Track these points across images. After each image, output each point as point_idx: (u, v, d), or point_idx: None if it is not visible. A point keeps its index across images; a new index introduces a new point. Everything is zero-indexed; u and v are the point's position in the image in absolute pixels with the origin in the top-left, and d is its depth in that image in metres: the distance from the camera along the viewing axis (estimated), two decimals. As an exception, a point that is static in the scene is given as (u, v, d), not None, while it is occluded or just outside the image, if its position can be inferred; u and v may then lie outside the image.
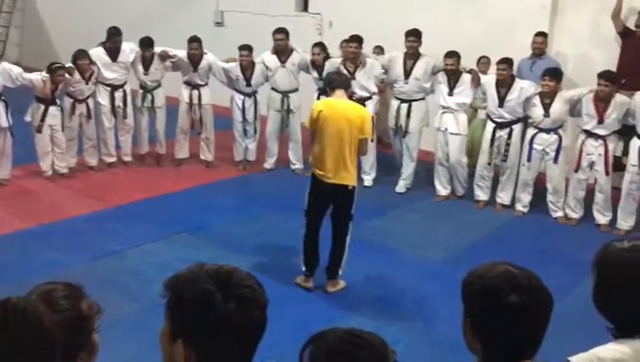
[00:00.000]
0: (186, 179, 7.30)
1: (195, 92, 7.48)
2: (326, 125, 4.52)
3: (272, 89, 7.51)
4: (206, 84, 7.55)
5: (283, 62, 7.39)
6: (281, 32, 7.30)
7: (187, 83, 7.51)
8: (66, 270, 4.72)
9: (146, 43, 7.32)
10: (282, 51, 7.38)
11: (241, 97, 7.49)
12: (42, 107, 6.76)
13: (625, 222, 6.20)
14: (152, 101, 7.52)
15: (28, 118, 6.81)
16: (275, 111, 7.52)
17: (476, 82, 6.68)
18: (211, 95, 7.58)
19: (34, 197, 6.59)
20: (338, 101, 4.67)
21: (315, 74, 7.33)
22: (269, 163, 7.69)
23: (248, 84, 7.43)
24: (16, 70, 6.64)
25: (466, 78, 6.71)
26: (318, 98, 6.62)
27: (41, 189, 6.78)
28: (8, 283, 4.01)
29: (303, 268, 4.88)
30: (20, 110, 6.82)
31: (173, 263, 4.56)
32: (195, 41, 7.35)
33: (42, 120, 6.78)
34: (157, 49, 7.39)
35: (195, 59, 7.38)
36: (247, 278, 1.32)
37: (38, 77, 6.67)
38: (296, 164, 7.59)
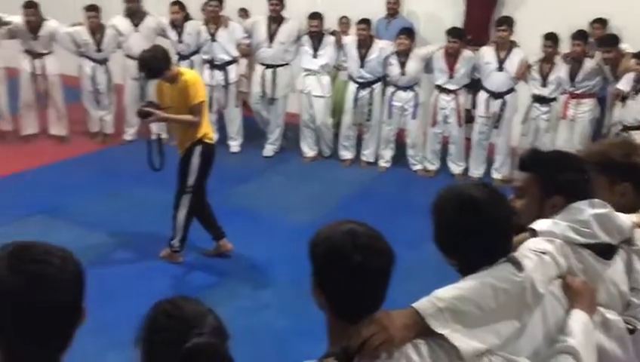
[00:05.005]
0: (36, 156, 6.69)
1: (38, 61, 6.84)
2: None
3: (127, 56, 7.06)
4: (50, 52, 6.92)
5: (136, 25, 6.97)
6: None
7: (28, 52, 6.83)
8: None
9: (-26, 8, 6.56)
10: (134, 14, 6.95)
11: (91, 64, 6.98)
12: None
13: (477, 171, 6.69)
14: (-13, 72, 6.79)
15: None
16: (132, 79, 7.09)
17: (339, 43, 6.75)
18: (59, 64, 6.97)
19: None
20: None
21: (173, 36, 6.99)
22: (129, 134, 7.29)
23: (98, 49, 6.94)
24: None
25: (329, 39, 6.75)
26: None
27: None
28: None
29: (178, 245, 4.64)
30: None
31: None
32: (30, 7, 6.65)
33: None
34: (-12, 14, 6.64)
35: (33, 25, 6.72)
36: (47, 253, 1.24)
37: None
38: (161, 134, 7.22)
